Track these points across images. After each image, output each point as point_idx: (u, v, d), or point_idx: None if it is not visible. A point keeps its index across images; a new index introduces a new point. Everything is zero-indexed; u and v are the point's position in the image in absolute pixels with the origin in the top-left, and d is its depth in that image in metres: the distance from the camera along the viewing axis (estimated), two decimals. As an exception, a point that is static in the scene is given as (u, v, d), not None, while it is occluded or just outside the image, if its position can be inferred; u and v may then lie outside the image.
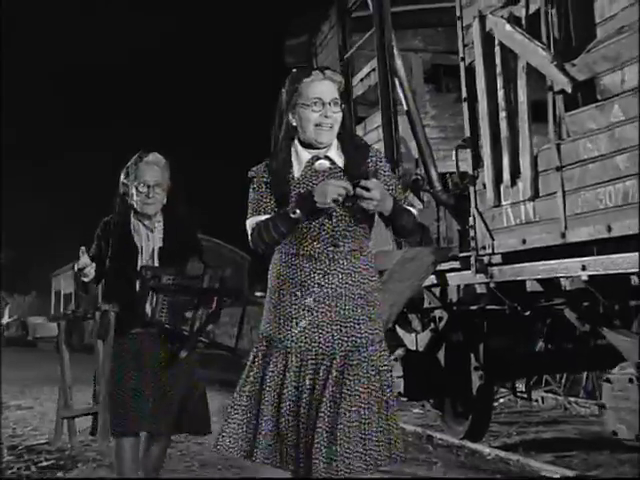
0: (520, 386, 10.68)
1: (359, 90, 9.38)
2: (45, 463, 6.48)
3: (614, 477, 6.69)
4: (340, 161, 3.84)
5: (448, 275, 7.32)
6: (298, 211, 3.67)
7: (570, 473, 6.73)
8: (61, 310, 56.26)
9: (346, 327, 3.77)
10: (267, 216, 3.78)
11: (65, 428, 4.93)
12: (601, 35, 5.03)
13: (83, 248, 4.74)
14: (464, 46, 6.58)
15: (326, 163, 3.82)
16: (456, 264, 7.20)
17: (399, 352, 9.07)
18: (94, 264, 4.79)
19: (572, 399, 10.56)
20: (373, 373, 3.78)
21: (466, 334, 8.31)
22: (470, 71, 6.46)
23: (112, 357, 4.76)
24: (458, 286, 7.86)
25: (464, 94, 6.63)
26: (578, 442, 8.24)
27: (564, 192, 5.42)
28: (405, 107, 8.31)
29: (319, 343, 3.74)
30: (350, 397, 3.68)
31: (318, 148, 3.83)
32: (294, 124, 3.84)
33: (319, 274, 3.77)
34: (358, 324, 3.78)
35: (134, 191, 4.99)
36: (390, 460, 3.75)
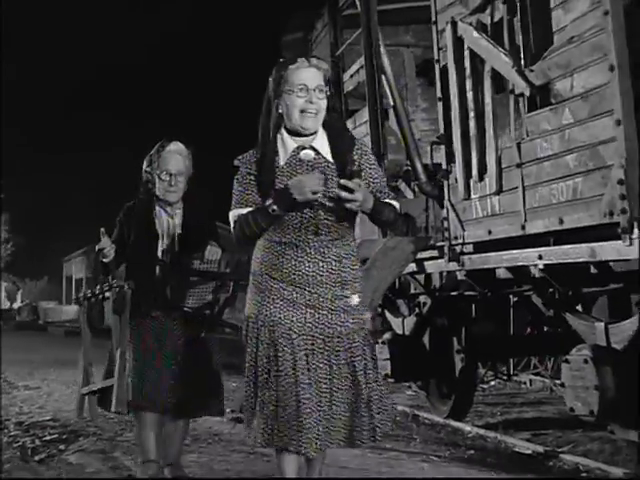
0: (505, 369, 11.13)
1: (350, 85, 9.79)
2: (49, 437, 6.95)
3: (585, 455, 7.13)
4: (325, 151, 3.95)
5: (426, 263, 7.76)
6: (276, 207, 3.80)
7: (540, 449, 7.16)
8: (72, 295, 56.78)
9: (324, 313, 3.91)
10: (249, 209, 3.91)
11: (86, 403, 5.30)
12: (556, 43, 5.47)
13: (103, 229, 4.91)
14: (439, 49, 7.02)
15: (311, 153, 3.93)
16: (434, 253, 7.65)
17: (386, 336, 9.54)
18: (114, 245, 4.94)
19: (558, 381, 10.99)
20: (359, 359, 3.95)
21: (449, 318, 8.75)
22: (444, 72, 6.90)
23: (134, 336, 4.94)
24: (440, 273, 8.30)
25: (439, 94, 7.08)
26: (556, 421, 8.66)
27: (524, 187, 5.88)
28: (391, 102, 8.73)
29: (301, 323, 3.91)
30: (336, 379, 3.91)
31: (304, 135, 3.93)
32: (280, 111, 3.93)
33: (300, 261, 3.91)
34: (337, 313, 3.92)
35: (157, 179, 5.12)
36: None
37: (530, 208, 5.83)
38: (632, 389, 5.72)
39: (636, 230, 4.78)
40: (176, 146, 5.19)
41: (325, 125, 3.99)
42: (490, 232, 6.38)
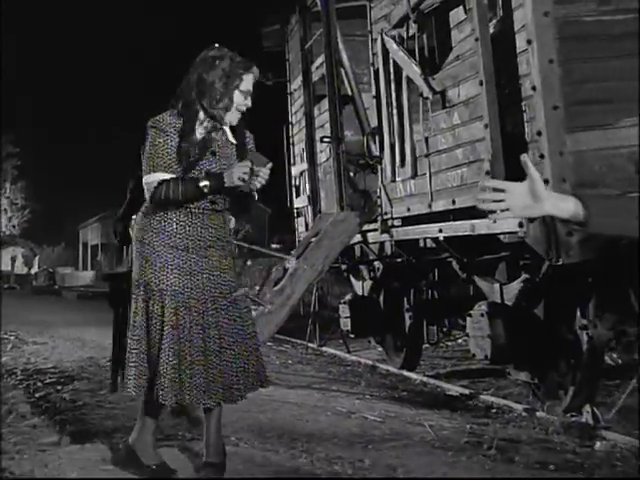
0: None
1: (317, 76, 11.05)
2: (49, 380, 8.31)
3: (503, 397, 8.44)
4: (230, 136, 4.49)
5: (368, 234, 9.09)
6: (207, 183, 4.23)
7: (466, 391, 8.48)
8: (88, 261, 58.06)
9: (214, 275, 4.34)
10: (171, 175, 4.28)
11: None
12: (450, 58, 6.77)
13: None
14: (373, 54, 8.29)
15: (224, 134, 4.47)
16: (374, 225, 8.96)
17: (347, 297, 10.92)
18: None
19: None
20: (238, 315, 4.38)
21: (399, 281, 10.05)
22: (377, 75, 8.19)
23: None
24: (391, 242, 9.62)
25: (373, 92, 8.36)
26: (496, 372, 9.89)
27: (430, 174, 7.20)
28: (350, 93, 9.98)
29: (190, 289, 4.28)
30: (226, 336, 4.31)
31: (220, 122, 4.43)
32: (218, 97, 4.35)
33: (194, 227, 4.33)
34: (224, 272, 4.38)
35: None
36: (261, 385, 4.45)
37: (434, 190, 7.16)
38: (520, 337, 7.04)
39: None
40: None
41: None
42: (409, 209, 7.70)
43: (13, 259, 54.70)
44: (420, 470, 5.11)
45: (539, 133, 5.71)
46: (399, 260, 9.33)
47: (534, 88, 5.73)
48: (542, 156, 5.71)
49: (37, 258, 61.73)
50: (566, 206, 2.90)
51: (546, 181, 5.67)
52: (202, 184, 4.25)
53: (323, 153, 10.79)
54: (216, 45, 4.48)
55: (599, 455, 5.77)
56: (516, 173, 5.70)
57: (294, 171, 12.21)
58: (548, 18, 5.67)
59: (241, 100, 4.40)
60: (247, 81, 4.40)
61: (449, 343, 12.69)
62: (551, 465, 5.53)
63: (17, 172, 59.10)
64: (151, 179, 4.30)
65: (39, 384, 8.14)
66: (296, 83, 11.87)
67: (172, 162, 4.31)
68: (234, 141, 4.51)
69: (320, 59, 10.72)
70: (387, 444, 5.83)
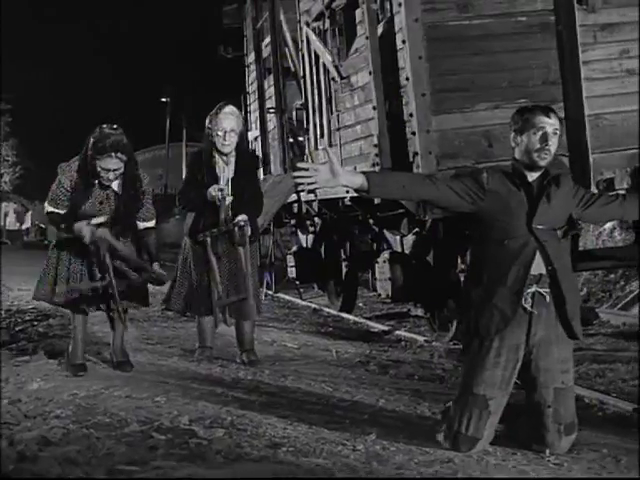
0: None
1: (266, 53, 12.44)
2: (27, 318, 9.77)
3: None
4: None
5: (301, 194, 10.57)
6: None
7: (385, 328, 9.97)
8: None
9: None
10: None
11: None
12: (352, 50, 8.22)
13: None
14: (300, 42, 9.72)
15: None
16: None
17: (294, 248, 12.44)
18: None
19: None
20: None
21: (337, 235, 11.54)
22: (303, 59, 9.62)
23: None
24: (327, 200, 11.09)
25: (300, 73, 9.80)
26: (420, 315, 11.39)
27: (340, 144, 8.68)
28: (293, 70, 11.38)
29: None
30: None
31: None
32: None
33: None
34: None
35: (215, 134, 6.43)
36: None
37: (344, 158, 8.64)
38: (415, 280, 8.54)
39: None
40: (229, 108, 6.50)
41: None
42: (327, 174, 9.17)
43: (5, 215, 55.69)
44: (307, 374, 6.58)
45: (411, 115, 7.20)
46: (333, 217, 10.78)
47: (407, 79, 7.21)
48: (413, 133, 7.20)
49: (29, 214, 62.60)
50: (355, 179, 4.35)
51: (416, 153, 7.18)
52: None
53: (271, 122, 12.21)
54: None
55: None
56: (398, 146, 7.24)
57: (250, 137, 13.62)
58: (418, 23, 7.13)
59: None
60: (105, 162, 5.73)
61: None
62: (416, 376, 7.05)
63: (9, 129, 60.02)
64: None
65: (19, 320, 9.59)
66: (251, 57, 13.26)
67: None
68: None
69: (269, 38, 12.08)
70: (292, 362, 7.32)
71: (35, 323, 9.36)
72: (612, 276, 13.19)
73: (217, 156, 6.56)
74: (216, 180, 6.53)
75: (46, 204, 6.03)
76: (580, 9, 7.24)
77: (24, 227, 57.39)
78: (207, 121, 6.54)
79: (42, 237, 49.24)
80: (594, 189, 7.02)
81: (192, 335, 7.66)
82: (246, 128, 7.03)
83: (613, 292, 12.90)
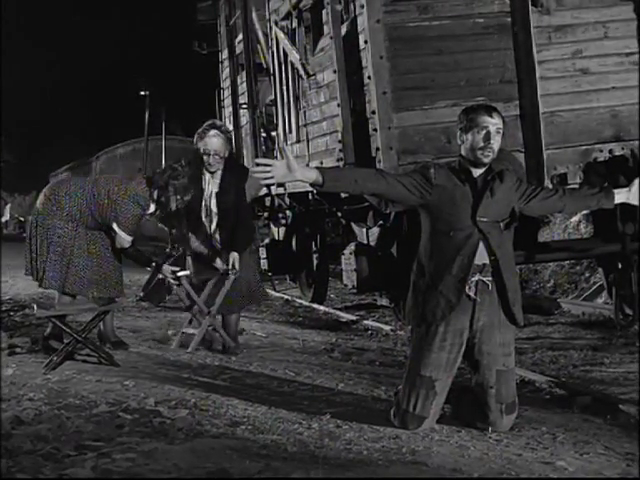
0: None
1: (239, 49, 12.70)
2: (4, 308, 10.05)
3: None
4: None
5: (272, 187, 10.84)
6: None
7: (353, 317, 10.28)
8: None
9: None
10: None
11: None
12: (317, 49, 8.52)
13: None
14: (270, 40, 10.00)
15: None
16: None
17: (266, 241, 12.73)
18: None
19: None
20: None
21: (308, 227, 11.83)
22: (273, 57, 9.91)
23: None
24: (296, 194, 11.38)
25: (271, 70, 10.09)
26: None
27: (308, 139, 8.98)
28: (264, 66, 11.66)
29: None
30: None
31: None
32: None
33: None
34: None
35: (202, 153, 6.63)
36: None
37: (310, 153, 8.94)
38: (378, 271, 8.84)
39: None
40: (214, 132, 6.65)
41: None
42: (295, 168, 9.47)
43: (-17, 208, 55.59)
44: (272, 360, 6.87)
45: (373, 112, 7.50)
46: (303, 210, 11.08)
47: (369, 77, 7.51)
48: (375, 130, 7.50)
49: (8, 207, 62.49)
50: (310, 174, 4.62)
51: (378, 149, 7.48)
52: None
53: (244, 117, 12.48)
54: None
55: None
56: (361, 142, 7.53)
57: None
58: (379, 24, 7.42)
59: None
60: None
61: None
62: (377, 362, 7.37)
63: (-13, 122, 59.91)
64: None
65: (-4, 310, 9.88)
66: (225, 53, 13.52)
67: None
68: None
69: (241, 35, 12.35)
70: (259, 349, 7.61)
71: (11, 313, 9.62)
72: (578, 268, 13.57)
73: (204, 170, 6.79)
74: (201, 193, 6.81)
75: None
76: (535, 11, 7.56)
77: (3, 220, 57.24)
78: (194, 139, 6.78)
79: (21, 230, 49.22)
80: (548, 184, 7.35)
81: (164, 325, 7.95)
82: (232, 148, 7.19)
83: (578, 283, 13.28)
